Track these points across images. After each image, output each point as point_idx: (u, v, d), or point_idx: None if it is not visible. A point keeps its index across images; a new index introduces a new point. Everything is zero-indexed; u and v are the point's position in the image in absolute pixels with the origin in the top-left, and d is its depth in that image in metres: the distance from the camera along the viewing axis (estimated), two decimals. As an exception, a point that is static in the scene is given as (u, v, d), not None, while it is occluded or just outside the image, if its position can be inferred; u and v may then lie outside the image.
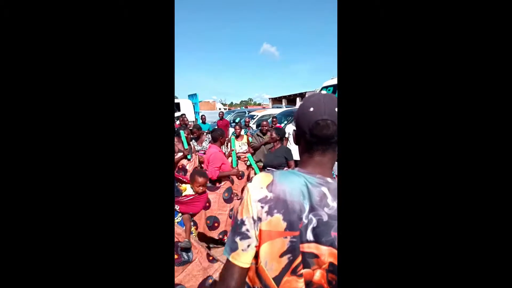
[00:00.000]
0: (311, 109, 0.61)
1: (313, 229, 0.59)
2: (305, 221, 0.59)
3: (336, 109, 0.60)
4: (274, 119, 4.94)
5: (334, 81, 4.81)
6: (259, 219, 0.59)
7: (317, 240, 0.59)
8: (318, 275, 0.60)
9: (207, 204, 2.51)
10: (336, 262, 0.59)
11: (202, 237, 2.52)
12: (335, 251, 0.59)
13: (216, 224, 2.54)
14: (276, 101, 23.27)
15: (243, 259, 0.60)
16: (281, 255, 0.59)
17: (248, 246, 0.60)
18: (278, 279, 0.60)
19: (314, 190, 0.60)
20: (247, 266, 0.61)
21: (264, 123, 3.97)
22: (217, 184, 2.68)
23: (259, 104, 30.71)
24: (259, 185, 0.62)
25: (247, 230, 0.60)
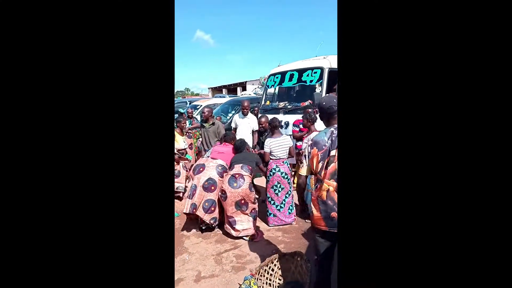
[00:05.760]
0: (324, 103, 1.57)
1: (331, 145, 1.46)
2: (328, 144, 1.48)
3: (335, 100, 1.53)
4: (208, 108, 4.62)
5: (280, 68, 4.83)
6: (309, 153, 1.56)
7: (333, 148, 1.45)
8: (335, 165, 1.44)
9: (212, 188, 2.66)
10: None
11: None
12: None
13: (212, 208, 2.67)
14: (216, 90, 22.80)
15: (302, 171, 2.69)
16: (318, 162, 1.49)
17: (302, 166, 2.38)
18: (320, 171, 1.49)
19: (328, 131, 1.51)
20: (304, 174, 2.64)
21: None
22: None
23: (197, 94, 29.65)
24: (306, 140, 2.55)
25: (304, 158, 1.71)
